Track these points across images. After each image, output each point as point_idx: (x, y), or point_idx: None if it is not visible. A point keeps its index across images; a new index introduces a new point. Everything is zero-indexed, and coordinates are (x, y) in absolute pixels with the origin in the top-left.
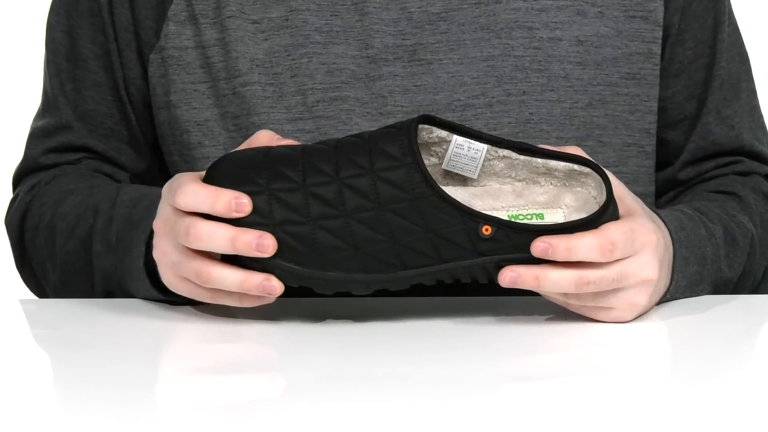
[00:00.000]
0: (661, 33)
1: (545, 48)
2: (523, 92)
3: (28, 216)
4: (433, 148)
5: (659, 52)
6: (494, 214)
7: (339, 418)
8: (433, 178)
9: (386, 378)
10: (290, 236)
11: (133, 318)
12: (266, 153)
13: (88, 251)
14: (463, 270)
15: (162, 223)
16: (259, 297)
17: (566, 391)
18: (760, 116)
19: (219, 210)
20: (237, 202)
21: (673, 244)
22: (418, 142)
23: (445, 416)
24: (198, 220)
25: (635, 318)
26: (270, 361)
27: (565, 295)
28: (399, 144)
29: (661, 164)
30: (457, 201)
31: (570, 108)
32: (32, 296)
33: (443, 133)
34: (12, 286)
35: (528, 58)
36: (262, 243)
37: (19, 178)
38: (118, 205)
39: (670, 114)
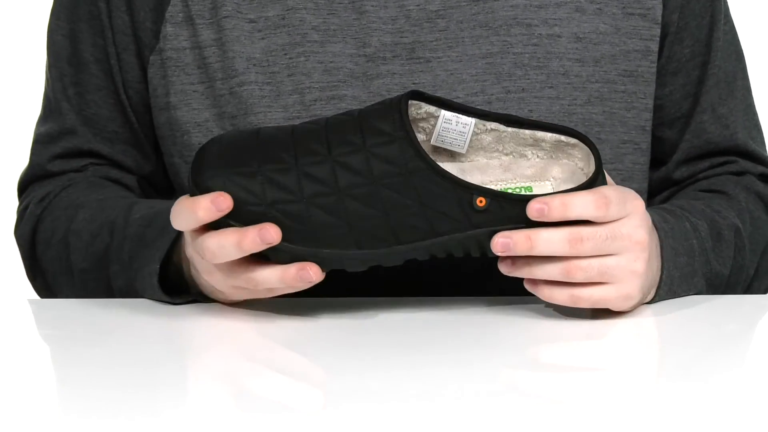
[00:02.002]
0: (659, 31)
1: (544, 45)
2: (522, 89)
3: (39, 229)
4: (420, 125)
5: (657, 49)
6: None
7: (335, 418)
8: None
9: (381, 380)
10: (284, 215)
11: (140, 317)
12: (257, 135)
13: (106, 270)
14: (457, 243)
15: (191, 249)
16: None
17: (562, 391)
18: (755, 115)
19: (203, 219)
20: (215, 202)
21: (658, 233)
22: None
23: (442, 417)
24: (204, 237)
25: (631, 309)
26: (270, 363)
27: (568, 276)
28: (390, 120)
29: (656, 163)
30: (451, 174)
31: (569, 105)
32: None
33: (431, 109)
34: (19, 285)
35: (527, 55)
36: (265, 234)
37: (25, 186)
38: (131, 223)
39: (666, 112)
